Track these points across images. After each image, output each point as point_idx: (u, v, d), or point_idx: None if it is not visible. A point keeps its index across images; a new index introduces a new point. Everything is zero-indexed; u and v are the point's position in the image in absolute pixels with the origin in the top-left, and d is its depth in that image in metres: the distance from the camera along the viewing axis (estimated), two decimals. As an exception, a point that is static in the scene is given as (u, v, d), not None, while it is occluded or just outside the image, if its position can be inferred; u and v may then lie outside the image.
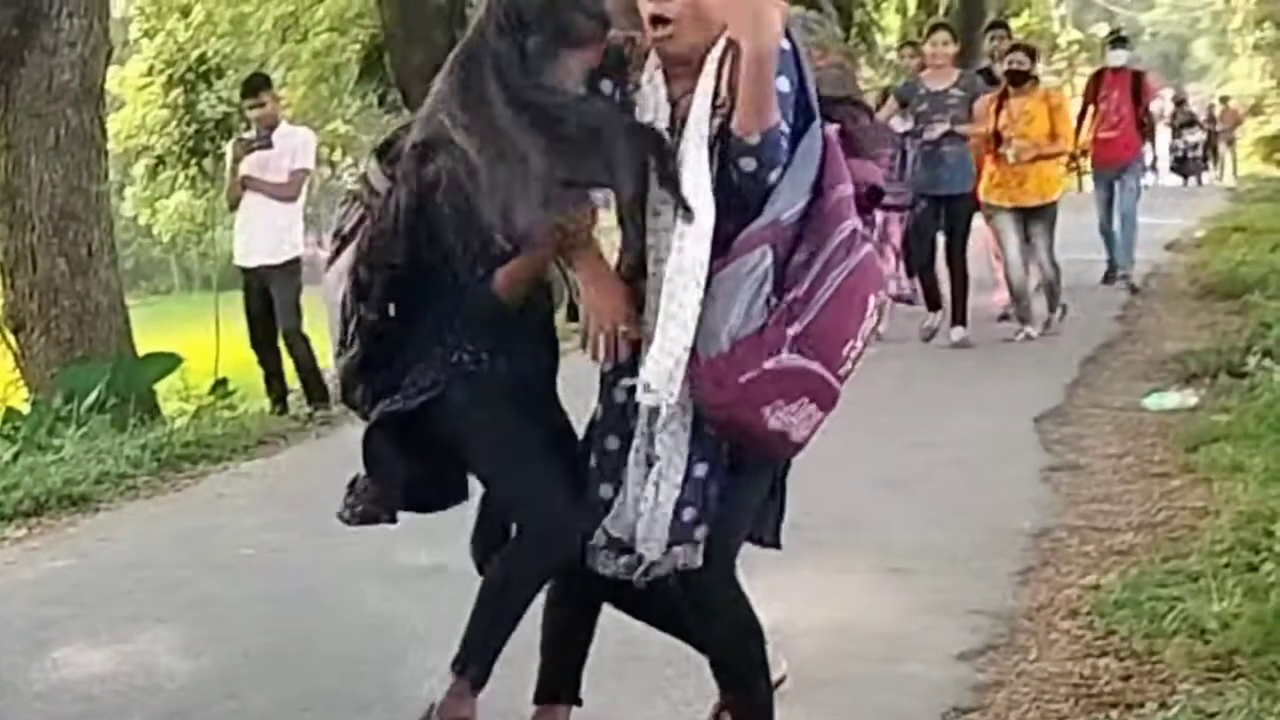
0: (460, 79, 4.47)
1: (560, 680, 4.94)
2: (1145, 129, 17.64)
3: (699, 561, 4.35)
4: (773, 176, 4.13)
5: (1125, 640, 5.83)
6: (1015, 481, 8.46)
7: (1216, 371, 11.14)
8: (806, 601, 6.51)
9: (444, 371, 4.72)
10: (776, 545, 4.85)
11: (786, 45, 4.14)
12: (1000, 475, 8.62)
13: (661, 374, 4.15)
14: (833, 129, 4.33)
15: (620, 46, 4.41)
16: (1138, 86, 16.83)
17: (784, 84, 4.13)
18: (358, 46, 28.04)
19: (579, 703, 4.95)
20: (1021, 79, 13.35)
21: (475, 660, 4.74)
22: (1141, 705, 5.20)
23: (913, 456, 9.05)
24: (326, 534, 7.93)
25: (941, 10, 31.89)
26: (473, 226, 4.40)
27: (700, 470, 4.33)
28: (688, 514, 4.32)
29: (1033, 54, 14.00)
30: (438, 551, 7.36)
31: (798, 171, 4.18)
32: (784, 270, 4.14)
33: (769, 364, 4.10)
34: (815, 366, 4.16)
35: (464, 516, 7.67)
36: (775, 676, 4.84)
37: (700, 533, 4.33)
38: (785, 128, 4.12)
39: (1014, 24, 38.97)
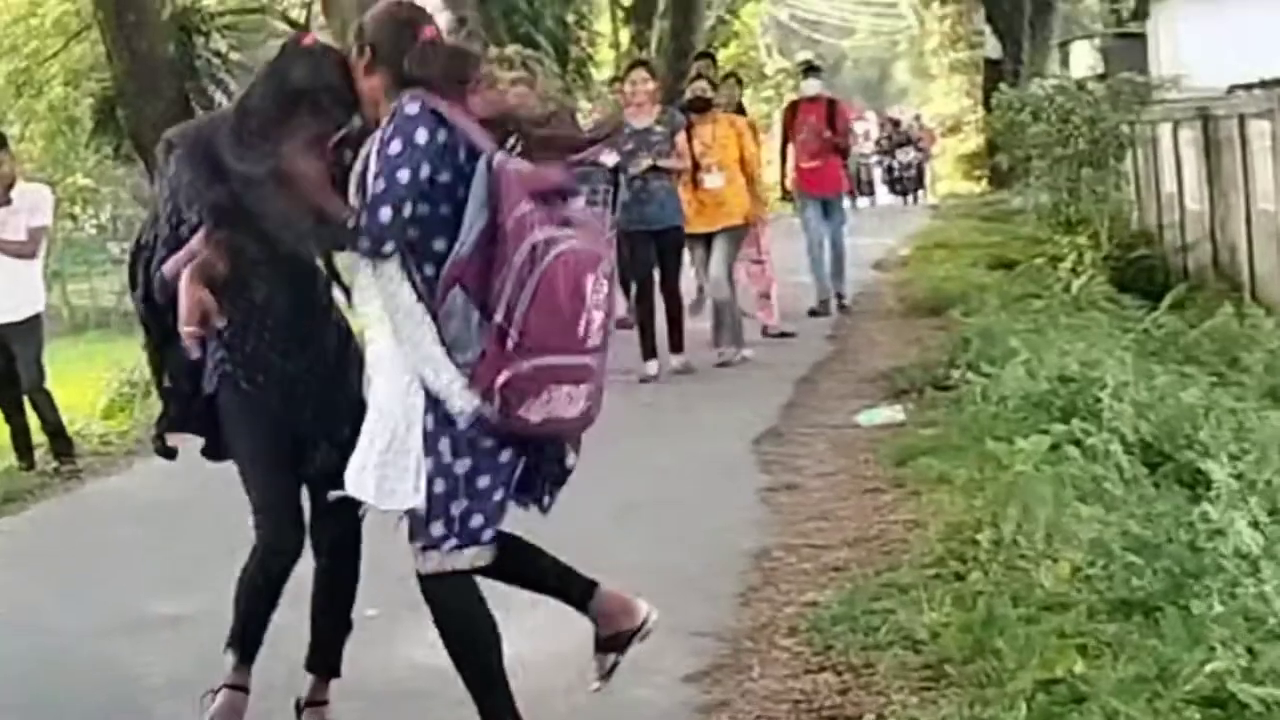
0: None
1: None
2: (842, 154, 17.78)
3: None
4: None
5: (842, 655, 5.99)
6: (736, 503, 8.61)
7: (923, 386, 11.46)
8: (536, 631, 6.56)
9: (215, 374, 5.53)
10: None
11: (414, 109, 4.75)
12: (721, 497, 8.76)
13: (444, 392, 4.78)
14: (501, 156, 4.74)
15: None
16: (832, 114, 17.06)
17: (422, 136, 4.71)
18: (91, 100, 27.62)
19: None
20: (704, 106, 13.56)
21: (235, 644, 5.76)
22: (859, 718, 5.35)
23: (639, 483, 9.17)
24: (76, 589, 7.89)
25: (653, 45, 32.27)
26: None
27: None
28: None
29: (739, 81, 14.31)
30: (184, 601, 7.32)
31: (470, 207, 4.67)
32: (490, 295, 4.65)
33: (500, 378, 4.64)
34: (548, 360, 4.70)
35: (209, 569, 7.64)
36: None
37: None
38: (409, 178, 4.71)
39: (723, 54, 39.64)
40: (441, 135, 4.74)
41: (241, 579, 5.82)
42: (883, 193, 42.70)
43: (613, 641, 5.45)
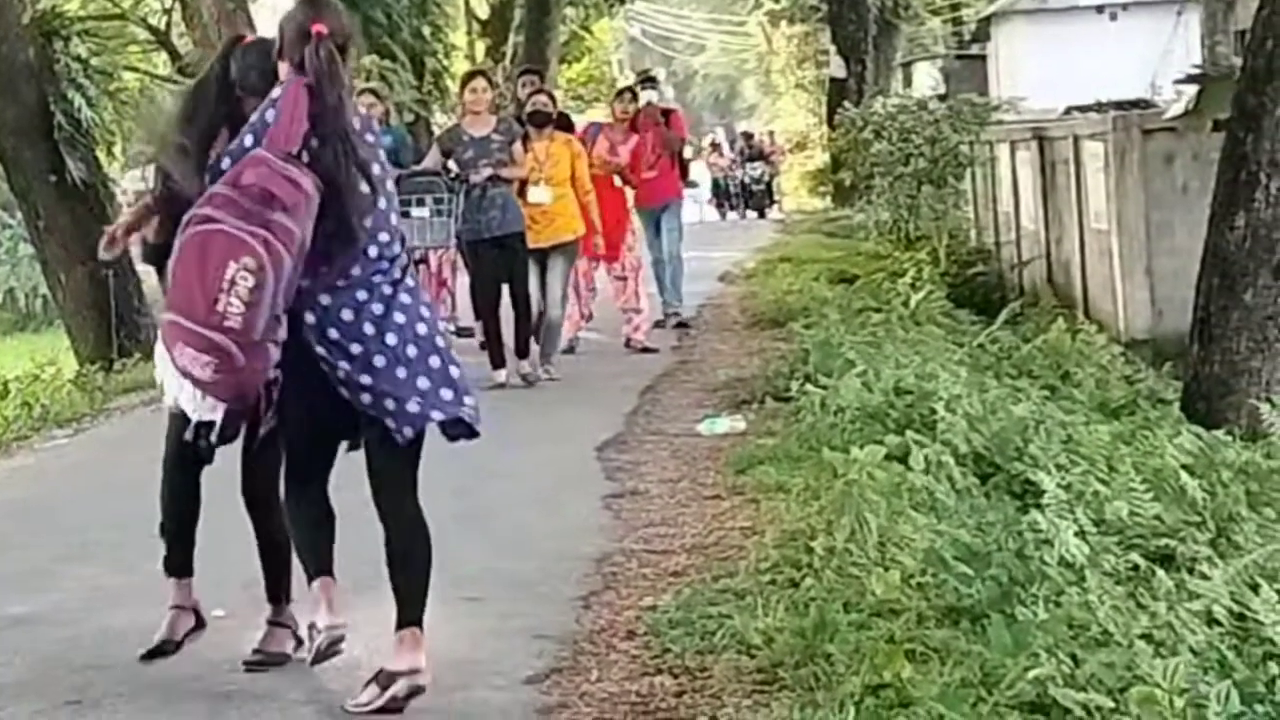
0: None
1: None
2: (682, 165, 17.56)
3: None
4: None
5: (679, 658, 6.02)
6: (579, 509, 8.62)
7: (764, 397, 11.54)
8: (381, 634, 6.53)
9: None
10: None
11: (275, 93, 5.67)
12: (565, 503, 8.78)
13: None
14: (262, 150, 5.57)
15: None
16: (669, 124, 16.80)
17: (267, 114, 5.61)
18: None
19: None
20: (544, 121, 13.54)
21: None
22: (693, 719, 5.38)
23: (483, 489, 9.15)
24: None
25: (508, 58, 32.28)
26: None
27: None
28: None
29: (552, 98, 14.34)
30: (34, 601, 7.22)
31: None
32: None
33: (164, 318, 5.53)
34: (176, 318, 5.46)
35: (60, 570, 7.55)
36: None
37: None
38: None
39: (575, 69, 39.74)
40: (269, 115, 5.61)
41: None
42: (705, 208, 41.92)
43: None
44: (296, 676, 6.09)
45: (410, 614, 5.85)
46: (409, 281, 5.85)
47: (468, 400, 5.87)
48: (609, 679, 5.94)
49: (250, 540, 7.64)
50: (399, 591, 5.88)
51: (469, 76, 14.03)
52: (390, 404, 5.69)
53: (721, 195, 42.93)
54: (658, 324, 16.41)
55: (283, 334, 5.59)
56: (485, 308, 13.08)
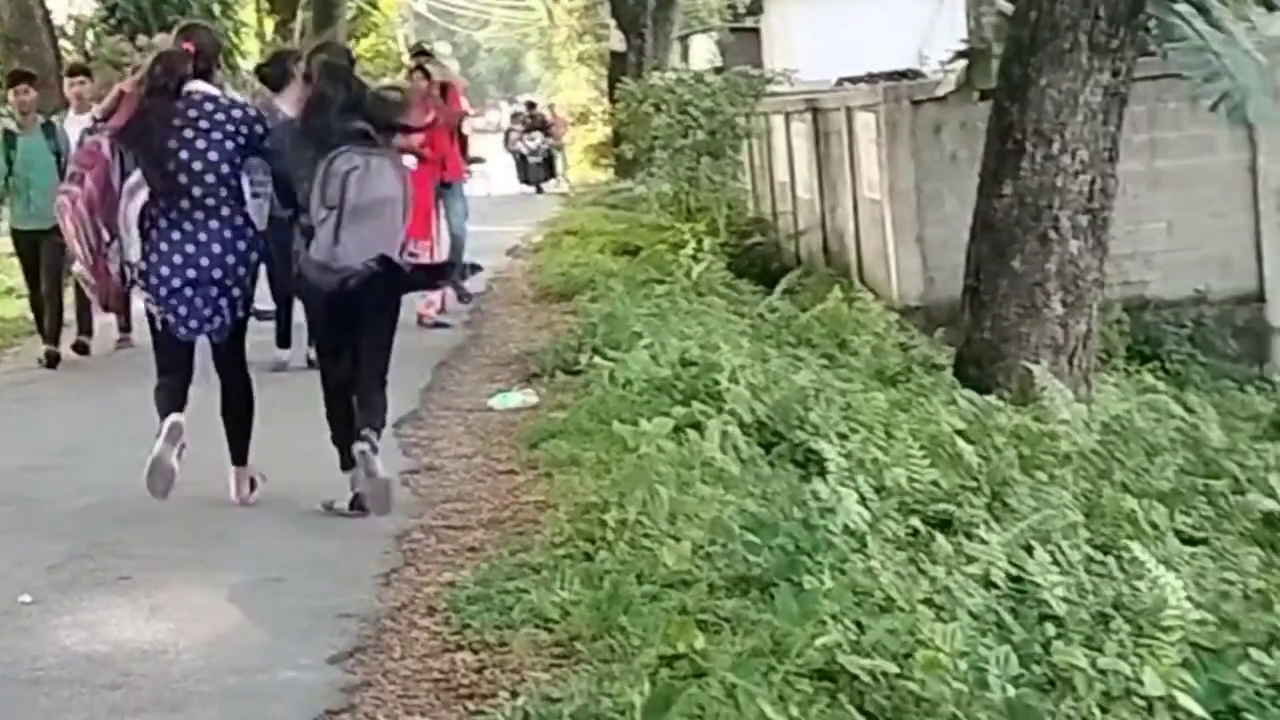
0: None
1: None
2: (461, 141, 16.97)
3: None
4: None
5: (479, 634, 6.03)
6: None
7: (554, 370, 11.55)
8: (188, 618, 6.49)
9: None
10: None
11: None
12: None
13: None
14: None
15: None
16: (445, 98, 16.03)
17: None
18: None
19: None
20: None
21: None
22: (495, 695, 5.39)
23: (284, 469, 9.00)
24: None
25: (297, 35, 31.85)
26: None
27: None
28: None
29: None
30: None
31: None
32: None
33: None
34: None
35: None
36: None
37: None
38: None
39: (363, 44, 39.35)
40: None
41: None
42: (511, 180, 41.06)
43: None
44: (105, 662, 6.00)
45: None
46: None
47: None
48: (411, 656, 5.93)
49: (51, 527, 7.62)
50: None
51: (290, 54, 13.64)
52: None
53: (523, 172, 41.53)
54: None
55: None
56: (276, 286, 12.80)
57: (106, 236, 8.04)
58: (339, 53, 8.75)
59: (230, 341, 8.26)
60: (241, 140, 8.04)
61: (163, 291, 8.00)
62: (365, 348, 8.04)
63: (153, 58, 8.10)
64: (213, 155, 7.99)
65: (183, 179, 7.96)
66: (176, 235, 8.00)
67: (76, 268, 8.41)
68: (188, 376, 8.27)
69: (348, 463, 8.01)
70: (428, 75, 15.65)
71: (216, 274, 8.01)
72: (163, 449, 7.91)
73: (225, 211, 8.05)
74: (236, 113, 8.14)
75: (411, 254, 14.10)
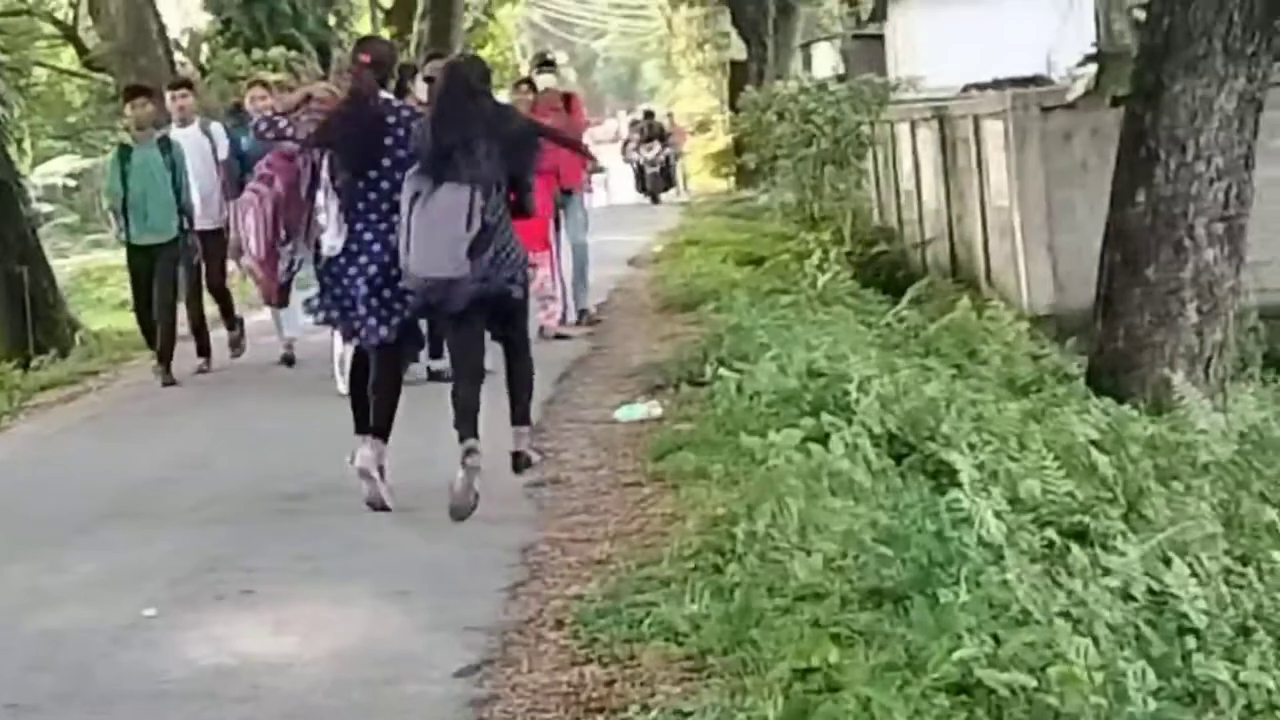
0: None
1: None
2: (581, 150, 15.71)
3: None
4: None
5: (608, 647, 6.02)
6: (502, 498, 8.54)
7: (678, 382, 11.52)
8: (313, 631, 6.55)
9: None
10: None
11: None
12: (488, 493, 8.68)
13: None
14: None
15: None
16: (568, 109, 15.78)
17: None
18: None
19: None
20: None
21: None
22: (625, 709, 5.38)
23: (406, 478, 9.09)
24: None
25: (412, 48, 32.09)
26: None
27: None
28: None
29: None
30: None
31: None
32: None
33: None
34: None
35: None
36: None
37: None
38: None
39: (481, 55, 39.54)
40: None
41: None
42: (631, 190, 40.54)
43: None
44: (232, 675, 6.06)
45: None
46: None
47: None
48: (539, 670, 5.94)
49: (174, 540, 7.73)
50: None
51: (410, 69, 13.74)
52: None
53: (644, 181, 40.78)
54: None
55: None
56: None
57: (284, 236, 8.97)
58: (470, 68, 8.99)
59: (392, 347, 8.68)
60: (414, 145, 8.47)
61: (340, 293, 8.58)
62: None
63: (353, 67, 8.75)
64: (400, 154, 8.42)
65: (383, 182, 8.47)
66: (368, 236, 8.51)
67: (245, 261, 9.45)
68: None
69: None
70: (534, 88, 15.57)
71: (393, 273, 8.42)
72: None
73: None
74: (414, 122, 8.51)
75: (531, 265, 14.21)
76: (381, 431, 8.54)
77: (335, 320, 8.75)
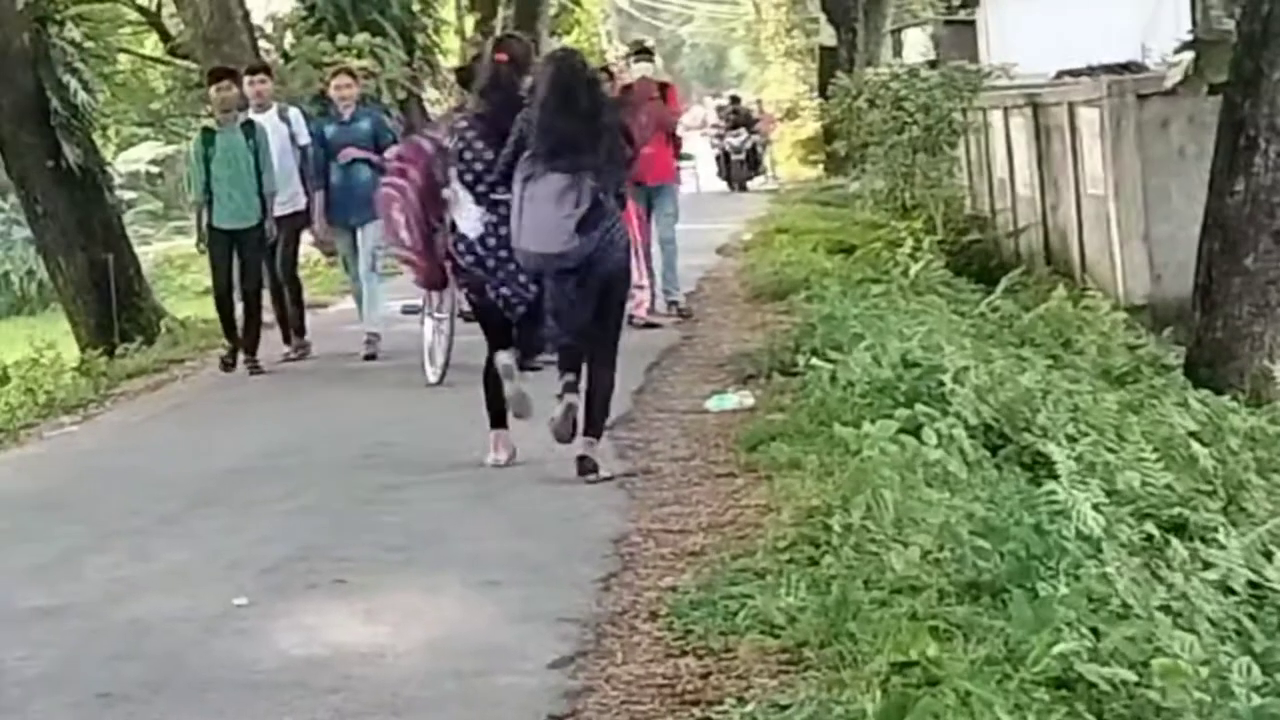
0: None
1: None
2: (675, 143, 16.19)
3: None
4: None
5: (703, 639, 6.03)
6: (593, 489, 8.61)
7: (770, 371, 11.53)
8: (405, 621, 6.59)
9: None
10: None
11: None
12: (579, 484, 8.75)
13: None
14: None
15: None
16: (665, 98, 15.63)
17: None
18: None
19: None
20: None
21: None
22: (720, 702, 5.39)
23: (493, 470, 9.17)
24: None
25: (497, 32, 32.16)
26: None
27: None
28: None
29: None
30: (55, 593, 7.25)
31: None
32: None
33: None
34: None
35: (78, 560, 7.57)
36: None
37: None
38: None
39: (566, 41, 39.63)
40: None
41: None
42: (712, 176, 39.56)
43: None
44: (323, 665, 6.12)
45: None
46: None
47: None
48: (634, 661, 5.95)
49: (263, 529, 7.81)
50: None
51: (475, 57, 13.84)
52: None
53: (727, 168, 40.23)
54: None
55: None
56: None
57: (434, 224, 9.42)
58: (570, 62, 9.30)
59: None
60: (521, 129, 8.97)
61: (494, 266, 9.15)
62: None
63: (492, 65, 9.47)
64: None
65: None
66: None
67: (398, 252, 9.82)
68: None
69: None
70: (612, 76, 15.42)
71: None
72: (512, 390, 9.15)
73: None
74: None
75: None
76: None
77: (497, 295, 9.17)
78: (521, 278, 9.04)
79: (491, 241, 9.06)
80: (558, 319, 8.98)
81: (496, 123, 9.07)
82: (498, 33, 32.39)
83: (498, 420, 9.29)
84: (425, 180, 9.38)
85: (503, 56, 9.39)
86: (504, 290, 9.13)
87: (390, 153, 10.83)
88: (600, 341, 9.04)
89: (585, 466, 8.83)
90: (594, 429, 8.94)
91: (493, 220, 9.03)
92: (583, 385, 8.92)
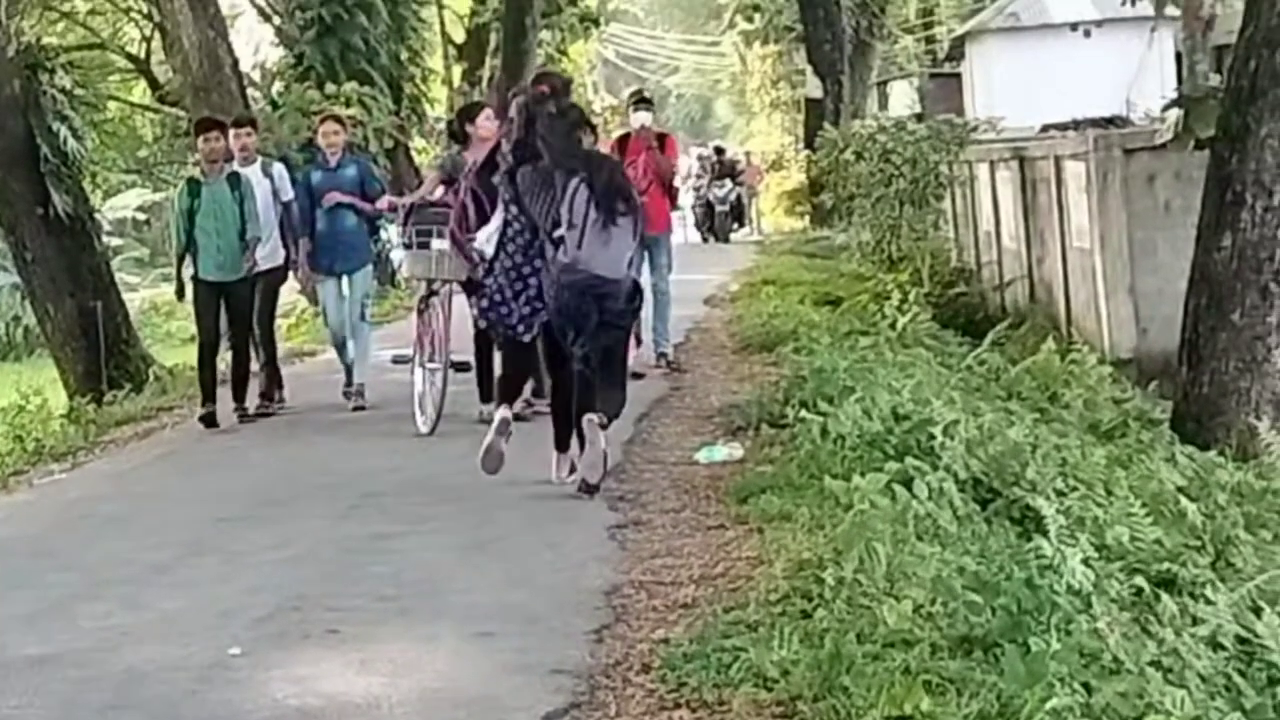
0: None
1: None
2: (671, 194, 16.34)
3: None
4: None
5: (696, 692, 6.06)
6: (585, 541, 8.65)
7: (759, 423, 11.56)
8: (398, 672, 6.61)
9: None
10: None
11: None
12: (570, 535, 8.79)
13: None
14: None
15: None
16: (663, 148, 15.62)
17: None
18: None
19: None
20: None
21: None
22: (715, 755, 5.44)
23: (489, 521, 9.20)
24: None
25: (485, 81, 32.34)
26: None
27: None
28: None
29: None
30: (48, 641, 7.25)
31: None
32: None
33: None
34: None
35: (71, 608, 7.58)
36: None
37: None
38: None
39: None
40: None
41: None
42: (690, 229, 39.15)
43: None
44: (317, 715, 6.14)
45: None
46: None
47: None
48: (627, 714, 5.99)
49: (255, 578, 7.82)
50: None
51: (478, 107, 13.77)
52: None
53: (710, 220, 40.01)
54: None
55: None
56: (483, 340, 12.77)
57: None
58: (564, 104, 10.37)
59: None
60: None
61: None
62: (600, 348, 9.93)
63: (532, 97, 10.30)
64: None
65: None
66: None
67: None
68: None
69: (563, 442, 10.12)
70: (594, 130, 15.32)
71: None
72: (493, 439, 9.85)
73: None
74: None
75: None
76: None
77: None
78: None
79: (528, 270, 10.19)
80: (578, 335, 9.83)
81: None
82: (484, 82, 32.64)
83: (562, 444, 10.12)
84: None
85: (544, 89, 10.29)
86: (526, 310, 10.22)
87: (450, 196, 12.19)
88: (610, 361, 10.02)
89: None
90: (599, 411, 9.78)
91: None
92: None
